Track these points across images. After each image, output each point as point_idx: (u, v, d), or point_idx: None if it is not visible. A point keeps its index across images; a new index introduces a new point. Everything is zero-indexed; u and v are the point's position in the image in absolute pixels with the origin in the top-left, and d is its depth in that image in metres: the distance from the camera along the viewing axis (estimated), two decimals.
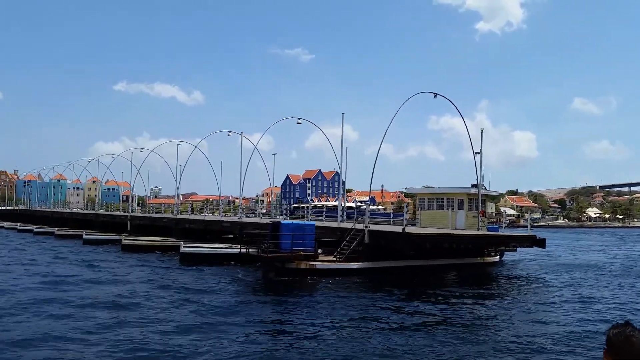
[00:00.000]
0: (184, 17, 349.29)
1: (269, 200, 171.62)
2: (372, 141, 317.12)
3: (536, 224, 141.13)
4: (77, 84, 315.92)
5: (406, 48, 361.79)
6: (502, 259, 33.83)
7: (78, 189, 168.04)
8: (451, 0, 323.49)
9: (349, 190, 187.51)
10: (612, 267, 31.40)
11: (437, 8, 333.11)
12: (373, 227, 24.50)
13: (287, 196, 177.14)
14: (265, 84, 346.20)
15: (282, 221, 23.45)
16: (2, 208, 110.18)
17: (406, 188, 41.49)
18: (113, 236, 43.06)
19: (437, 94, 28.51)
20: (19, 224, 66.23)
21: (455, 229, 31.01)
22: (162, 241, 37.80)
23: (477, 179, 30.39)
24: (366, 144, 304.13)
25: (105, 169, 79.19)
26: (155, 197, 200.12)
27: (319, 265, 22.53)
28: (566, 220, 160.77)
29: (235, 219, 38.16)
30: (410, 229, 23.82)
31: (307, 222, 24.30)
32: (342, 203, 31.34)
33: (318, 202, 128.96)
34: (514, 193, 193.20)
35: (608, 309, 17.24)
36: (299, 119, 36.39)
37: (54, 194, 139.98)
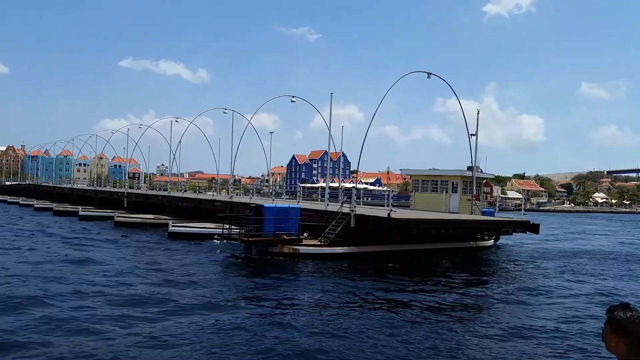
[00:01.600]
0: None
1: (274, 180, 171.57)
2: (378, 122, 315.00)
3: (542, 207, 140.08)
4: (83, 59, 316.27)
5: (412, 29, 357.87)
6: (497, 243, 33.20)
7: (84, 165, 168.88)
8: None
9: (354, 172, 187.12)
10: (613, 253, 30.76)
11: None
12: (360, 210, 23.86)
13: (293, 176, 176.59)
14: (271, 62, 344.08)
15: (265, 204, 22.87)
16: (9, 183, 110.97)
17: (401, 169, 40.60)
18: (108, 213, 42.92)
19: (430, 73, 27.50)
20: (21, 199, 66.51)
21: (449, 212, 30.37)
22: (154, 219, 37.57)
23: (471, 162, 29.59)
24: (372, 125, 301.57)
25: (105, 144, 78.31)
26: (162, 174, 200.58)
27: (302, 249, 22.01)
28: (572, 205, 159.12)
29: (226, 198, 37.73)
30: (397, 214, 23.16)
31: (291, 206, 23.71)
32: (328, 184, 30.64)
33: (323, 182, 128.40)
34: (521, 177, 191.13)
35: (598, 294, 16.91)
36: (292, 97, 35.63)
37: (60, 170, 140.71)
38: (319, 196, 44.93)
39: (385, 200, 34.60)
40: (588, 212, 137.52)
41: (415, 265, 22.37)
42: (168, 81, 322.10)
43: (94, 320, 11.41)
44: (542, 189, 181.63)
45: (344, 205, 24.48)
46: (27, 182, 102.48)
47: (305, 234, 24.62)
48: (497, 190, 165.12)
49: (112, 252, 23.32)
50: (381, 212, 24.16)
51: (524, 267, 23.73)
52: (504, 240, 35.86)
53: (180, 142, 63.97)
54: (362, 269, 20.44)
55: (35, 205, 57.05)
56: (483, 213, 31.61)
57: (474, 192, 29.34)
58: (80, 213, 44.78)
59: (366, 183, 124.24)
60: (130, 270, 18.21)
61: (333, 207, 26.02)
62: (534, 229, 27.04)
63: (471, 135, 29.33)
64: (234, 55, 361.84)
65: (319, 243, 22.84)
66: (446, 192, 30.51)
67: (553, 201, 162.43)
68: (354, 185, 32.84)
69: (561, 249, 32.57)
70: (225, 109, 44.78)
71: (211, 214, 37.47)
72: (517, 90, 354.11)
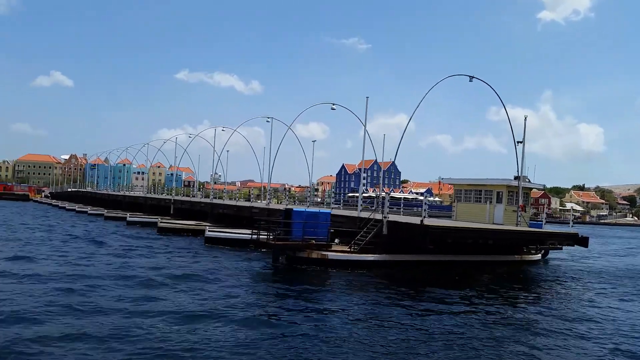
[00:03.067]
0: (243, 9, 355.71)
1: (324, 189, 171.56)
2: (429, 131, 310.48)
3: (602, 220, 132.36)
4: (141, 72, 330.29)
5: (464, 37, 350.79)
6: (547, 257, 31.22)
7: (142, 173, 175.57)
8: None
9: (404, 181, 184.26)
10: None
11: None
12: (393, 217, 22.95)
13: (342, 185, 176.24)
14: (320, 73, 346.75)
15: (294, 208, 22.42)
16: (70, 190, 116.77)
17: (442, 178, 39.10)
18: (153, 219, 43.86)
19: (472, 77, 26.27)
20: (77, 206, 69.71)
21: (493, 223, 28.83)
22: (195, 225, 37.95)
23: (518, 171, 27.95)
24: (422, 135, 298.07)
25: (156, 152, 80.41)
26: (215, 183, 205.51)
27: (331, 255, 21.33)
28: (635, 218, 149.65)
29: (263, 205, 37.64)
30: (433, 221, 22.11)
31: (321, 211, 23.15)
32: (361, 190, 29.82)
33: (373, 192, 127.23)
34: (581, 188, 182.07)
35: None
36: (333, 104, 35.13)
37: (119, 178, 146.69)
38: (368, 205, 44.14)
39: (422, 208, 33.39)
40: None
41: (447, 278, 21.14)
42: (222, 92, 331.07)
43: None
44: (603, 201, 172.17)
45: (375, 212, 23.64)
46: (88, 189, 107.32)
47: (336, 240, 23.97)
48: (555, 202, 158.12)
49: (147, 258, 23.46)
50: (412, 219, 23.12)
51: (569, 287, 21.68)
52: (554, 255, 33.73)
53: (228, 151, 65.41)
54: (395, 279, 19.53)
55: (89, 212, 60.03)
56: (531, 225, 29.82)
57: (520, 203, 27.67)
58: (128, 219, 46.23)
59: (416, 193, 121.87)
60: (154, 277, 18.02)
61: (353, 212, 25.23)
62: (583, 242, 25.12)
63: (518, 142, 27.73)
64: (285, 66, 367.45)
65: (349, 250, 22.10)
66: (490, 202, 28.97)
67: (614, 214, 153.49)
68: (416, 194, 31.81)
69: (619, 267, 30.14)
70: (268, 118, 44.86)
71: (250, 220, 37.60)
72: (574, 98, 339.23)
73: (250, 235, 27.95)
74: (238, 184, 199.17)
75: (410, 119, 29.12)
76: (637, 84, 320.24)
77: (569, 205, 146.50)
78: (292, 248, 21.53)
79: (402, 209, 37.82)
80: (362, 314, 13.62)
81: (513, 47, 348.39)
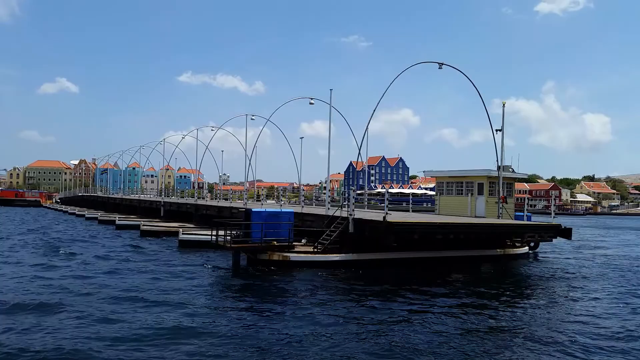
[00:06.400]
0: (245, 11, 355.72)
1: (332, 188, 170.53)
2: (433, 125, 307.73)
3: (614, 211, 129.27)
4: (145, 75, 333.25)
5: (463, 30, 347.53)
6: (536, 250, 29.82)
7: (152, 176, 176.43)
8: None
9: (413, 177, 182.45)
10: None
11: None
12: (358, 214, 21.86)
13: (351, 183, 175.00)
14: (322, 72, 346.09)
15: (254, 208, 21.46)
16: (80, 194, 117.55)
17: (424, 171, 37.80)
18: (138, 221, 43.30)
19: (442, 63, 24.97)
20: (77, 209, 70.20)
21: (475, 216, 27.60)
22: (178, 227, 37.24)
23: (497, 160, 26.62)
24: (428, 130, 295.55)
25: (166, 154, 79.76)
26: (224, 184, 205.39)
27: (293, 256, 20.33)
28: None
29: (242, 205, 36.78)
30: (400, 217, 20.99)
31: (283, 210, 22.11)
32: (328, 187, 28.73)
33: (382, 188, 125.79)
34: (591, 179, 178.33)
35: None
36: (311, 99, 34.07)
37: (129, 181, 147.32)
38: (378, 202, 42.87)
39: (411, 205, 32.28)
40: None
41: (412, 276, 19.98)
42: (226, 94, 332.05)
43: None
44: (614, 191, 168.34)
45: (342, 209, 22.56)
46: (98, 193, 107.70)
47: (303, 241, 22.97)
48: (566, 194, 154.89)
49: (105, 260, 22.78)
50: (376, 216, 21.92)
51: (556, 282, 20.22)
52: (546, 247, 32.30)
53: (222, 151, 65.38)
54: (358, 280, 18.45)
55: (77, 213, 63.02)
56: (516, 217, 28.51)
57: (502, 194, 26.34)
58: (117, 222, 45.84)
59: (425, 188, 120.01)
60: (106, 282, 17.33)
61: (321, 210, 24.12)
62: (566, 234, 23.69)
63: (497, 130, 26.38)
64: (288, 66, 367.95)
65: (313, 250, 21.06)
66: (472, 194, 27.73)
67: (626, 204, 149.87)
68: (425, 189, 30.57)
69: (620, 259, 28.62)
70: (253, 116, 44.07)
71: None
72: (577, 88, 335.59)
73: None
74: (247, 184, 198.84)
75: (374, 109, 27.93)
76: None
77: (580, 197, 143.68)
78: (252, 250, 20.57)
79: (365, 204, 36.67)
80: (317, 318, 12.66)
81: (513, 39, 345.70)
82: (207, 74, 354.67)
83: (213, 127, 55.56)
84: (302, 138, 45.93)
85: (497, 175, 26.88)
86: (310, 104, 33.99)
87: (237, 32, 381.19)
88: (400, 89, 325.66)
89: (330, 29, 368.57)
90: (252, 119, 43.84)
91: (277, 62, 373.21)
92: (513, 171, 28.74)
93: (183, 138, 65.91)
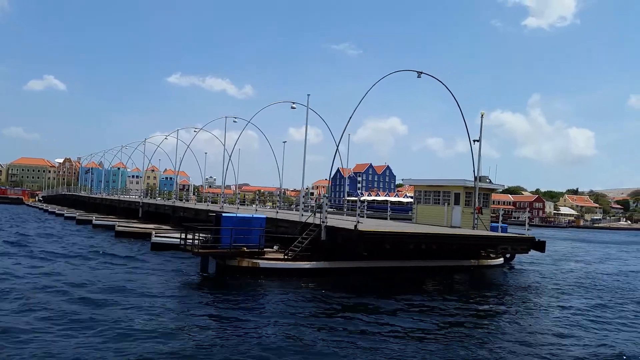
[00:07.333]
0: (235, 15, 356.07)
1: (319, 193, 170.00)
2: (420, 134, 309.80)
3: (597, 224, 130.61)
4: (133, 75, 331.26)
5: (452, 42, 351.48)
6: (512, 262, 29.80)
7: (137, 177, 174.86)
8: None
9: (399, 185, 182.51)
10: None
11: (481, 3, 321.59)
12: (333, 222, 21.60)
13: (338, 189, 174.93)
14: (313, 77, 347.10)
15: (224, 213, 21.11)
16: (63, 193, 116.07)
17: (403, 179, 37.74)
18: (114, 222, 42.72)
19: (421, 72, 24.97)
20: (57, 208, 69.45)
21: (451, 226, 27.51)
22: (154, 228, 36.73)
23: (474, 170, 26.59)
24: (415, 138, 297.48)
25: (152, 154, 78.77)
26: (210, 186, 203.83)
27: (263, 263, 20.00)
28: (629, 222, 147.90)
29: (217, 208, 36.44)
30: (370, 226, 20.78)
31: (255, 215, 21.76)
32: (302, 193, 28.45)
33: (368, 196, 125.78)
34: (574, 192, 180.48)
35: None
36: (293, 103, 33.83)
37: (114, 182, 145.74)
38: (365, 209, 42.34)
39: (357, 210, 32.11)
40: None
41: (380, 286, 19.73)
42: (214, 97, 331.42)
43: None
44: (597, 205, 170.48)
45: (315, 216, 22.30)
46: (82, 193, 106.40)
47: (275, 247, 22.64)
48: (549, 207, 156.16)
49: (72, 264, 22.29)
50: (348, 224, 21.65)
51: (526, 293, 20.21)
52: (524, 258, 32.25)
53: (206, 153, 65.14)
54: (329, 288, 18.13)
55: (57, 212, 63.73)
56: (492, 228, 28.48)
57: (477, 204, 26.29)
58: (94, 222, 45.30)
59: (411, 197, 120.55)
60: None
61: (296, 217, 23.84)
62: (540, 247, 23.69)
63: (474, 141, 26.38)
64: (278, 71, 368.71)
65: (283, 257, 20.75)
66: (448, 204, 27.65)
67: (608, 218, 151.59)
68: (410, 197, 30.36)
69: (594, 273, 28.67)
70: (235, 118, 43.76)
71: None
72: (563, 103, 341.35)
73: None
74: (233, 187, 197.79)
75: (350, 117, 27.77)
76: (626, 88, 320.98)
77: (563, 210, 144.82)
78: (220, 256, 20.20)
79: (365, 213, 36.40)
80: (282, 328, 12.39)
81: (501, 52, 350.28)
82: (197, 76, 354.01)
83: (196, 128, 55.05)
84: (285, 142, 45.79)
85: (473, 185, 26.82)
86: (292, 108, 33.77)
87: (227, 35, 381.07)
88: (388, 98, 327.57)
89: (321, 35, 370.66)
90: (234, 122, 43.48)
91: (268, 66, 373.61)
92: (490, 182, 28.73)
93: (165, 138, 64.66)
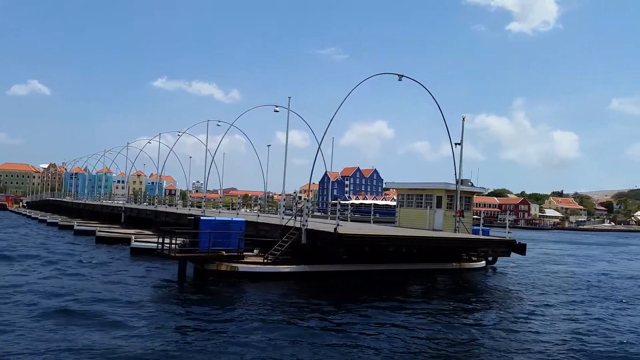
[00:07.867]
0: (223, 19, 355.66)
1: (305, 197, 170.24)
2: (407, 138, 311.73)
3: (581, 226, 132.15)
4: (119, 79, 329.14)
5: (437, 47, 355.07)
6: (494, 265, 29.81)
7: (122, 182, 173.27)
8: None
9: (387, 189, 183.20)
10: None
11: (465, 8, 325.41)
12: (312, 225, 21.45)
13: (325, 193, 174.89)
14: (299, 82, 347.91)
15: (202, 216, 20.88)
16: (47, 198, 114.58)
17: (386, 183, 37.78)
18: (95, 227, 42.13)
19: (402, 75, 25.01)
20: (40, 214, 68.66)
21: (433, 229, 27.51)
22: (135, 233, 36.29)
23: (456, 174, 26.62)
24: (401, 142, 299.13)
25: (134, 158, 77.92)
26: (197, 191, 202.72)
27: (242, 267, 19.79)
28: (612, 224, 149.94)
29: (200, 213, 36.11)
30: (350, 229, 20.67)
31: (234, 219, 21.56)
32: (284, 196, 28.33)
33: (355, 199, 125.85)
34: (559, 195, 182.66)
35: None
36: (276, 106, 33.73)
37: (99, 187, 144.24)
38: (350, 213, 42.31)
39: (337, 213, 32.03)
40: (630, 231, 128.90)
41: (360, 289, 19.57)
42: (202, 101, 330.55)
43: None
44: (581, 207, 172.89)
45: (295, 219, 22.14)
46: (66, 198, 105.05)
47: (255, 251, 22.44)
48: (535, 209, 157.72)
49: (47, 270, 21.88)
50: (328, 227, 21.48)
51: (504, 297, 20.18)
52: (505, 261, 32.28)
53: (190, 157, 65.24)
54: (309, 292, 17.97)
55: (40, 218, 62.15)
56: (474, 231, 28.49)
57: (459, 207, 26.31)
58: (75, 227, 44.67)
59: (394, 199, 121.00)
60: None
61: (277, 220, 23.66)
62: (520, 249, 23.75)
63: (456, 144, 26.44)
64: (265, 75, 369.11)
65: (263, 260, 20.55)
66: (430, 207, 27.65)
67: (592, 220, 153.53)
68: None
69: (577, 275, 28.74)
70: (219, 122, 43.54)
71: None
72: (547, 106, 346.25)
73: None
74: (221, 192, 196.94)
75: (331, 120, 27.78)
76: (609, 92, 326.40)
77: (548, 212, 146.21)
78: (199, 260, 19.95)
79: (348, 215, 36.24)
80: (260, 333, 12.18)
81: (485, 56, 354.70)
82: (183, 81, 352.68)
83: (179, 132, 54.66)
84: (269, 146, 45.49)
85: (455, 188, 26.85)
86: (275, 111, 33.67)
87: (215, 40, 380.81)
88: (375, 102, 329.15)
89: (308, 40, 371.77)
90: (218, 125, 43.22)
91: (255, 71, 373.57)
92: (472, 185, 28.80)
93: (149, 142, 64.07)
